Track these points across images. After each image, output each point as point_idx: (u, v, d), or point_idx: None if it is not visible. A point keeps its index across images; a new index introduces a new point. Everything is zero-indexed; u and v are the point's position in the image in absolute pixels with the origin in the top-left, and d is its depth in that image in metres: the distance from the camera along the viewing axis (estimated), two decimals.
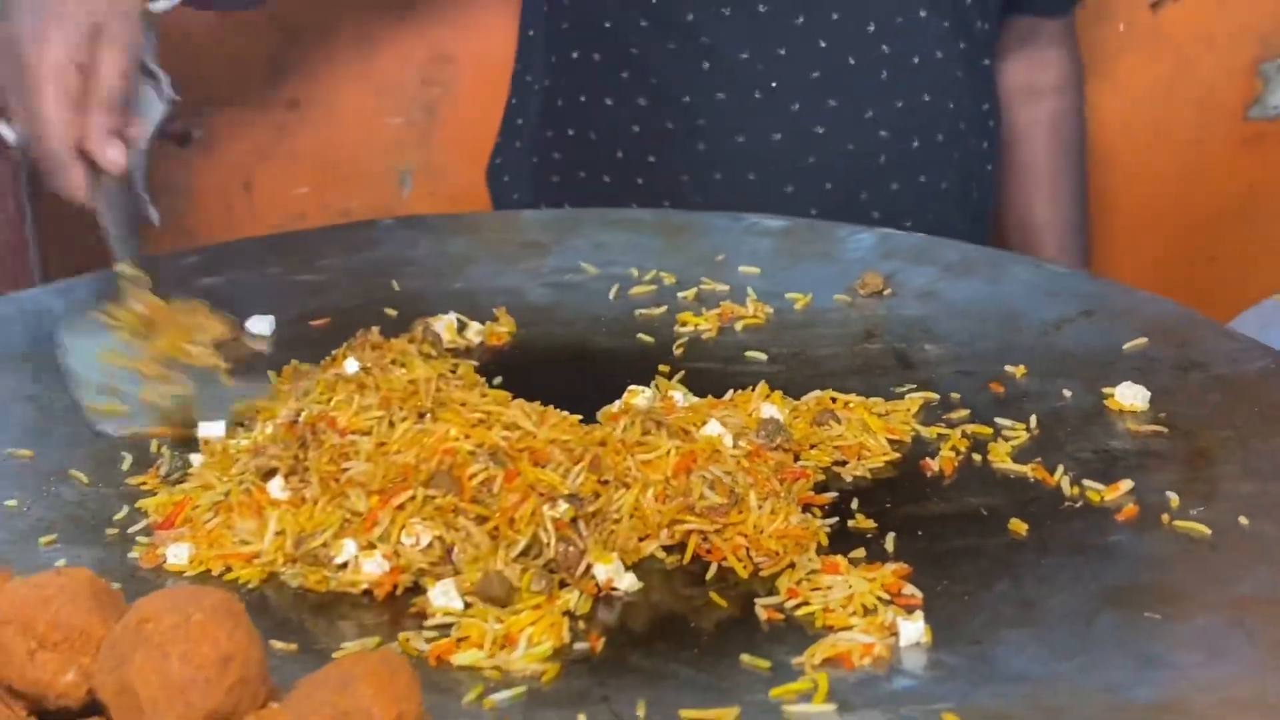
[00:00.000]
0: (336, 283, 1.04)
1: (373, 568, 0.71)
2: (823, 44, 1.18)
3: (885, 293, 1.03)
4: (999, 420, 0.86)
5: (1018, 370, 0.92)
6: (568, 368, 0.95)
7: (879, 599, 0.69)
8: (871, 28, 1.20)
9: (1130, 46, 1.99)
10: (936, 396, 0.89)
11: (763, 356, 0.96)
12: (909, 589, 0.70)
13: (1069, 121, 1.46)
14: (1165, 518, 0.75)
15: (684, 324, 1.00)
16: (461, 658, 0.66)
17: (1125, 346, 0.93)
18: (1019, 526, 0.76)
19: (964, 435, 0.85)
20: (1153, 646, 0.65)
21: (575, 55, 1.23)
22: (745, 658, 0.66)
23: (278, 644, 0.67)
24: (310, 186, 1.64)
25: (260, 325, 0.99)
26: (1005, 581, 0.72)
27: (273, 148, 1.61)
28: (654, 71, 1.20)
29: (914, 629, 0.67)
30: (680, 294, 1.04)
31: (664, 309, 1.02)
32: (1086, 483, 0.79)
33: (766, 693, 0.63)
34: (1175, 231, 2.04)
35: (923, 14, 1.21)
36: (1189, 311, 0.97)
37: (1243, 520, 0.73)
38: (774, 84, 1.19)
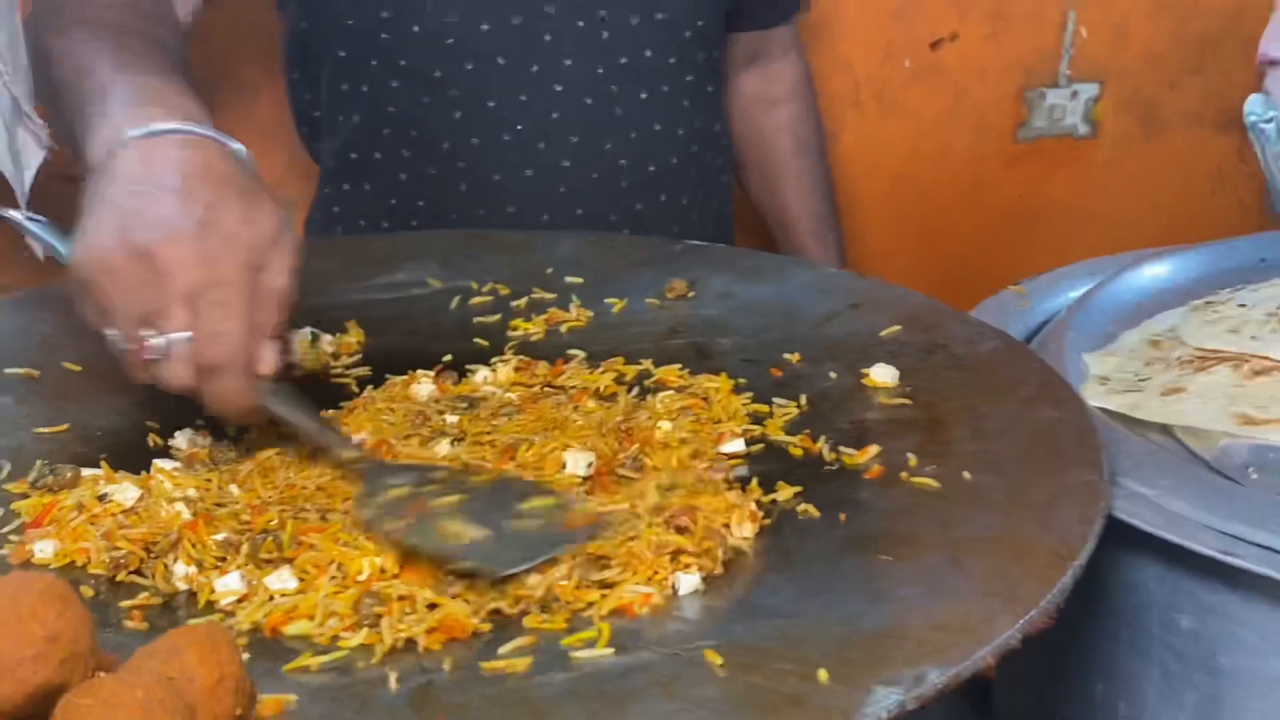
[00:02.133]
0: None
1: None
2: (558, 88, 1.19)
3: (689, 296, 1.04)
4: (775, 399, 0.88)
5: (794, 357, 0.93)
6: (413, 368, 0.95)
7: (665, 555, 0.69)
8: (601, 70, 1.20)
9: (915, 81, 2.03)
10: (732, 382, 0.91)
11: (582, 354, 0.96)
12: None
13: (806, 125, 1.48)
14: (904, 475, 0.77)
15: (515, 329, 1.01)
16: (293, 628, 0.65)
17: (882, 333, 0.95)
18: (785, 487, 0.77)
19: (748, 414, 0.86)
20: (883, 584, 0.66)
21: (349, 118, 1.23)
22: (537, 619, 0.66)
23: (129, 624, 0.66)
24: None
25: None
26: (772, 534, 0.73)
27: None
28: (413, 125, 1.20)
29: (690, 580, 0.68)
30: (513, 303, 1.04)
31: (498, 316, 1.02)
32: (842, 449, 0.81)
33: (559, 642, 0.64)
34: (960, 238, 2.08)
35: (648, 54, 1.22)
36: (937, 302, 0.99)
37: (966, 475, 0.75)
38: (519, 126, 1.19)
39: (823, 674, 0.57)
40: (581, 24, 1.19)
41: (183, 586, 0.69)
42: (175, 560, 0.70)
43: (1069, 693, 0.82)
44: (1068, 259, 2.09)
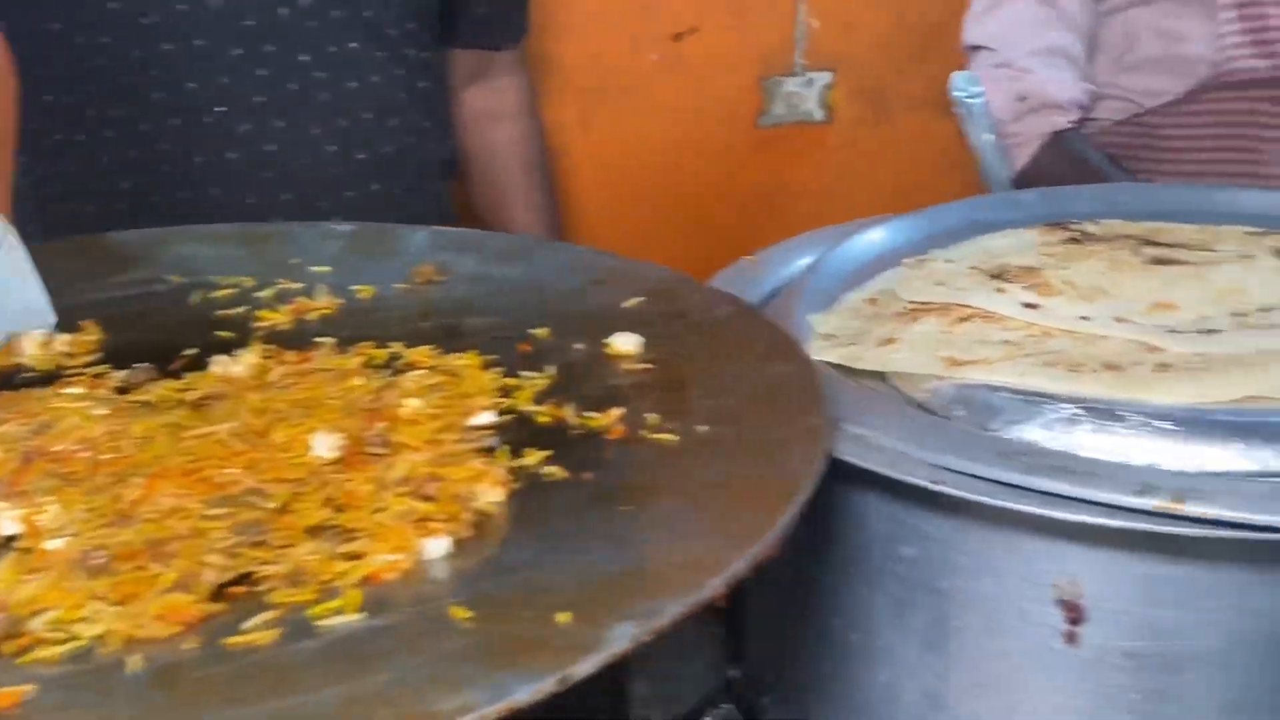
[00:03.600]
0: None
1: (10, 526, 0.69)
2: (261, 72, 1.18)
3: (437, 280, 1.05)
4: (524, 373, 0.90)
5: (542, 332, 0.95)
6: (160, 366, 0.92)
7: (410, 522, 0.70)
8: (306, 57, 1.20)
9: (661, 73, 2.08)
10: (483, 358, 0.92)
11: (332, 340, 0.96)
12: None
13: (532, 141, 1.52)
14: (644, 433, 0.80)
15: (261, 320, 0.99)
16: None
17: (624, 305, 0.98)
18: (533, 453, 0.79)
19: (498, 388, 0.88)
20: (624, 532, 0.69)
21: (46, 98, 1.19)
22: (283, 595, 0.65)
23: None
24: None
25: None
26: (520, 499, 0.74)
27: None
28: (114, 105, 1.18)
29: (438, 544, 0.69)
30: (258, 294, 1.03)
31: (244, 309, 1.01)
32: (587, 414, 0.83)
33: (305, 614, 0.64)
34: (715, 222, 2.15)
35: (354, 45, 1.22)
36: (679, 274, 1.03)
37: (701, 428, 0.79)
38: (221, 109, 1.18)
39: (563, 616, 0.59)
40: (284, 11, 1.17)
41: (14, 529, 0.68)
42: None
43: (809, 631, 0.87)
44: None
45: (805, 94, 2.15)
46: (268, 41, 1.16)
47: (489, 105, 1.43)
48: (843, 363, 0.88)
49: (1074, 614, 0.74)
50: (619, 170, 2.04)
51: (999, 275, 0.88)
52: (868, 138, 2.22)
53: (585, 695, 0.63)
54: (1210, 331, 0.80)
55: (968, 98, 1.40)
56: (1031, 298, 0.84)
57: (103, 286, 1.02)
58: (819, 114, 2.16)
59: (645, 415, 0.82)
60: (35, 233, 1.22)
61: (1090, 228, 0.97)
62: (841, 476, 0.78)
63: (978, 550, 0.77)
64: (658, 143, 2.06)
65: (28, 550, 0.70)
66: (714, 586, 0.60)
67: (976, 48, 1.68)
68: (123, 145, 1.16)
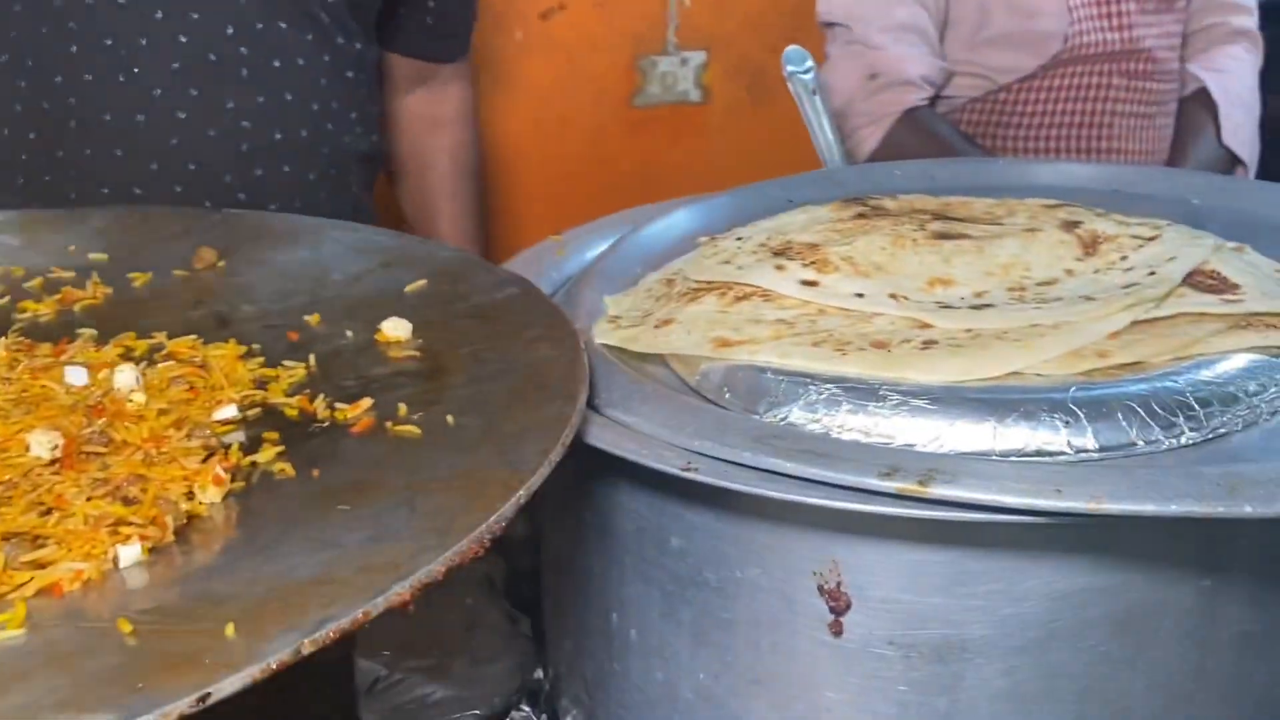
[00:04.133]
0: None
1: None
2: (183, 39, 1.16)
3: (218, 265, 0.99)
4: (285, 362, 0.84)
5: (313, 319, 0.90)
6: None
7: (103, 527, 0.65)
8: (230, 30, 1.17)
9: (528, 51, 2.03)
10: (244, 348, 0.86)
11: (92, 332, 0.90)
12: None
13: (466, 149, 1.52)
14: (389, 424, 0.75)
15: (24, 310, 0.93)
16: None
17: (406, 289, 0.92)
18: (269, 449, 0.74)
19: (255, 379, 0.83)
20: (333, 533, 0.64)
21: None
22: None
23: None
24: None
25: None
26: (245, 497, 0.69)
27: None
28: (30, 54, 1.14)
29: (131, 551, 0.63)
30: (25, 284, 0.97)
31: (7, 299, 0.95)
32: (338, 405, 0.78)
33: None
34: (585, 205, 2.10)
35: (282, 25, 1.19)
36: (469, 255, 0.98)
37: (449, 418, 0.74)
38: (136, 69, 1.15)
39: (230, 629, 0.54)
40: None
41: None
42: None
43: (595, 629, 0.83)
44: None
45: (680, 74, 2.10)
46: (194, 9, 1.14)
47: (428, 111, 1.42)
48: (621, 345, 0.83)
49: (837, 603, 0.71)
50: (486, 151, 1.99)
51: (782, 252, 0.84)
52: (745, 118, 2.18)
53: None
54: (983, 307, 0.77)
55: (801, 73, 1.37)
56: (810, 275, 0.80)
57: None
58: (695, 94, 2.12)
59: (396, 405, 0.77)
60: None
61: (887, 203, 0.93)
62: (611, 467, 0.73)
63: (740, 539, 0.73)
64: (524, 124, 2.01)
65: None
66: (393, 593, 0.55)
67: (831, 24, 1.64)
68: (35, 97, 1.13)
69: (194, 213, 1.07)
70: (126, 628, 0.57)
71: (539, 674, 0.98)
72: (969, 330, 0.73)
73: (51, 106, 1.14)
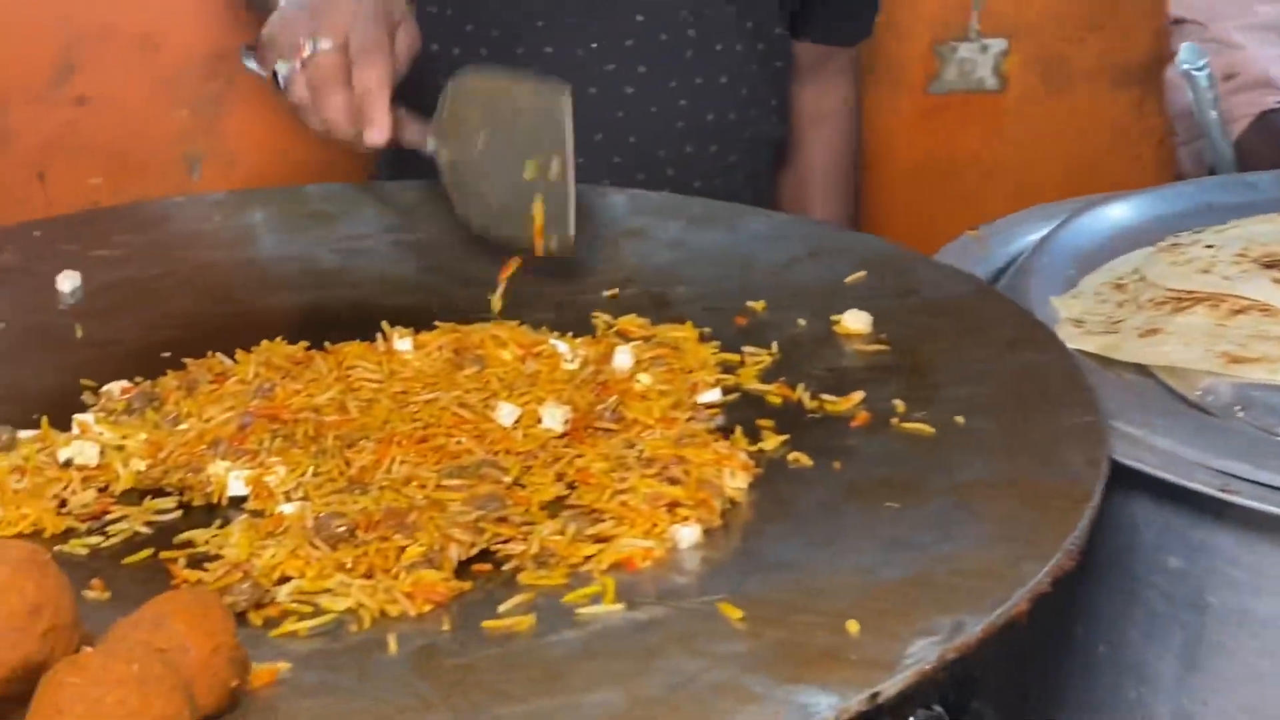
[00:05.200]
0: (133, 256, 0.95)
1: (238, 487, 0.68)
2: (639, 18, 1.20)
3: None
4: (745, 348, 0.85)
5: (758, 305, 0.91)
6: (357, 325, 0.89)
7: (660, 507, 0.66)
8: (684, 13, 1.21)
9: None
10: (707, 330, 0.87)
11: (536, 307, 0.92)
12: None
13: (846, 144, 1.53)
14: (894, 421, 0.75)
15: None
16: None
17: (847, 279, 0.92)
18: (771, 437, 0.74)
19: (718, 363, 0.83)
20: (894, 531, 0.64)
21: (432, 10, 1.21)
22: (533, 575, 0.62)
23: (89, 594, 0.60)
24: (103, 177, 1.53)
25: (67, 283, 0.90)
26: (764, 485, 0.70)
27: (64, 141, 1.49)
28: (495, 25, 1.19)
29: (690, 532, 0.65)
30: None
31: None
32: (824, 396, 0.78)
33: (561, 599, 0.60)
34: (874, 190, 2.09)
35: (730, 9, 1.23)
36: (900, 247, 0.97)
37: (959, 419, 0.73)
38: (594, 45, 1.20)
39: (853, 625, 0.55)
40: None
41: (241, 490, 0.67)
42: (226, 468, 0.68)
43: (1046, 637, 0.81)
44: (975, 210, 2.09)
45: (979, 61, 2.06)
46: None
47: (814, 103, 1.45)
48: (1100, 352, 0.81)
49: None
50: None
51: (1273, 265, 0.81)
52: (1039, 109, 2.13)
53: None
54: None
55: (1194, 70, 1.32)
56: None
57: (302, 240, 0.99)
58: (992, 82, 2.08)
59: (889, 401, 0.77)
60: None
61: None
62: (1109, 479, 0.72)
63: (1260, 566, 0.70)
64: None
65: (259, 514, 0.67)
66: (1016, 602, 0.55)
67: (1180, 21, 1.58)
68: (495, 64, 1.15)
69: (600, 190, 1.09)
70: (733, 612, 0.57)
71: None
72: None
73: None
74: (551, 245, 0.90)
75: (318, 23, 0.90)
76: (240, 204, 1.03)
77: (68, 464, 0.70)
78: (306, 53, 0.89)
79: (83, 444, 0.71)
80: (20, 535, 0.65)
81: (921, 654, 0.52)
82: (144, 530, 0.66)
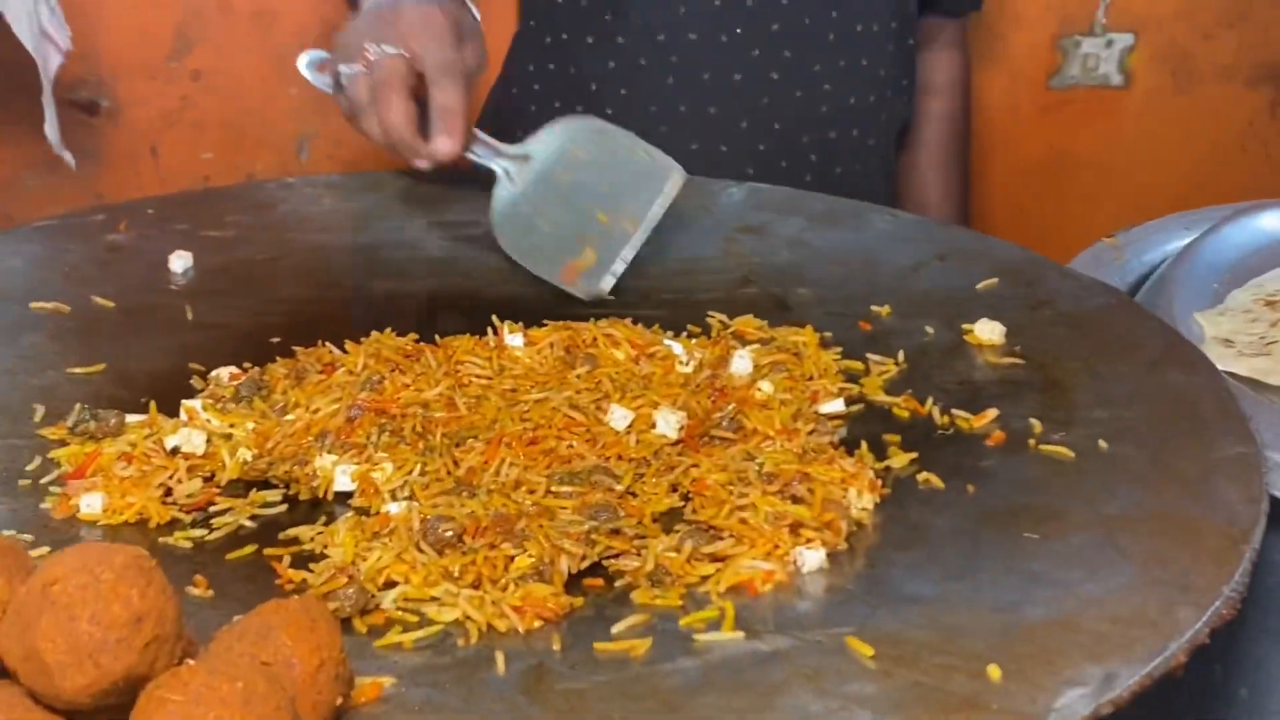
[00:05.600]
0: (245, 238, 0.94)
1: (344, 482, 0.66)
2: (783, 2, 1.17)
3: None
4: (870, 355, 0.81)
5: (883, 310, 0.86)
6: (467, 314, 0.86)
7: (783, 527, 0.62)
8: None
9: None
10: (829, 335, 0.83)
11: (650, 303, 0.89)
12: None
13: (958, 117, 1.48)
14: (1031, 443, 0.70)
15: None
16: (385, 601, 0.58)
17: (978, 286, 0.87)
18: (899, 454, 0.70)
19: (839, 371, 0.79)
20: (1036, 565, 0.59)
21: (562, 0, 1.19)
22: (647, 593, 0.59)
23: (193, 591, 0.58)
24: (215, 152, 1.53)
25: (179, 263, 0.89)
26: (892, 506, 0.66)
27: (178, 116, 1.50)
28: (635, 12, 1.16)
29: (814, 556, 0.61)
30: None
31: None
32: (955, 412, 0.74)
33: (677, 622, 0.57)
34: (990, 183, 2.03)
35: None
36: (1033, 254, 0.92)
37: (1102, 444, 0.68)
38: (739, 30, 1.16)
39: (994, 671, 0.51)
40: None
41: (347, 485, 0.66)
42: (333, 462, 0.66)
43: (1189, 675, 0.76)
44: (1092, 212, 2.01)
45: (1104, 56, 1.98)
46: None
47: (927, 78, 1.41)
48: (1253, 376, 0.76)
49: None
50: None
51: None
52: (1166, 107, 2.04)
53: None
54: None
55: None
56: None
57: (413, 226, 0.97)
58: (1117, 78, 2.00)
59: (1025, 420, 0.72)
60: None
61: None
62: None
63: None
64: None
65: (364, 511, 0.65)
66: (1173, 654, 0.50)
67: None
68: (633, 53, 1.15)
69: (720, 183, 1.05)
70: (864, 649, 0.54)
71: None
72: None
73: (650, 64, 1.17)
74: (579, 285, 0.89)
75: (385, 31, 0.89)
76: (352, 186, 1.01)
77: (174, 451, 0.68)
78: (372, 56, 0.87)
79: (190, 431, 0.69)
80: (125, 524, 0.64)
81: (1071, 708, 0.48)
82: (248, 524, 0.64)
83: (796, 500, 0.64)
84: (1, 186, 1.47)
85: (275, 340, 0.80)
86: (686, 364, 0.77)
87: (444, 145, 0.86)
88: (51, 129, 1.02)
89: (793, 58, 1.17)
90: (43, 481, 0.66)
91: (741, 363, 0.76)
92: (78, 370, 0.75)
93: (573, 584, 0.60)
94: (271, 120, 1.51)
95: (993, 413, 0.73)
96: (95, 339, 0.78)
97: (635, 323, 0.82)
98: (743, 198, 1.02)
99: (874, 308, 0.86)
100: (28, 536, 0.62)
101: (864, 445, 0.70)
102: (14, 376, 0.75)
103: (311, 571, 0.60)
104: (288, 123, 1.52)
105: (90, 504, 0.64)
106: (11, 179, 1.47)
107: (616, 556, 0.62)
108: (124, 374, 0.76)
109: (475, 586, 0.59)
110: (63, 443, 0.69)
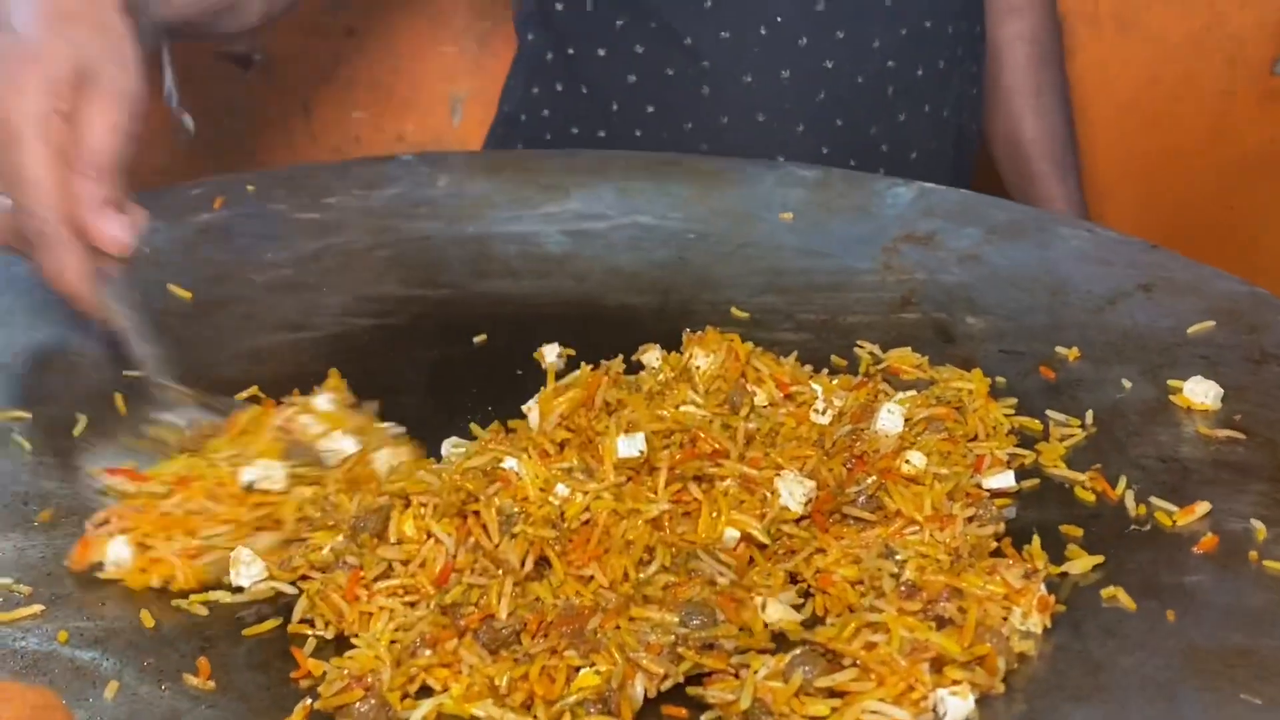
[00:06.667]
0: (344, 222, 0.83)
1: None
2: None
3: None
4: (1050, 413, 0.65)
5: (1070, 352, 0.70)
6: (577, 325, 0.73)
7: (922, 661, 0.47)
8: None
9: (1163, 0, 1.74)
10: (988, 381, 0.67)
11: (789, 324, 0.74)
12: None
13: (1046, 35, 1.23)
14: (1253, 555, 0.54)
15: None
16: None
17: (1190, 330, 0.70)
18: (1080, 555, 0.54)
19: (1011, 430, 0.63)
20: None
21: (561, 6, 1.00)
22: None
23: (191, 680, 0.47)
24: (366, 111, 1.46)
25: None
26: (1066, 631, 0.50)
27: (330, 73, 1.42)
28: (653, 15, 0.98)
29: (959, 706, 0.46)
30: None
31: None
32: (1155, 500, 0.57)
33: None
34: (1195, 179, 1.81)
35: None
36: (1259, 291, 0.74)
37: None
38: (779, 18, 0.97)
39: None
40: None
41: None
42: None
43: None
44: None
45: None
46: None
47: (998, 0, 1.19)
48: None
49: None
50: (1088, 109, 1.71)
51: None
52: None
53: None
54: None
55: None
56: None
57: (530, 217, 0.84)
58: None
59: (1247, 520, 0.55)
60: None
61: None
62: None
63: None
64: (1142, 79, 1.72)
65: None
66: None
67: None
68: (656, 62, 0.98)
69: (885, 181, 0.89)
70: None
71: None
72: None
73: (678, 73, 0.99)
74: None
75: None
76: (468, 168, 0.89)
77: (249, 488, 0.57)
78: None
79: (270, 465, 0.57)
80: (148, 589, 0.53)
81: None
82: (287, 589, 0.53)
83: (942, 624, 0.49)
84: (152, 139, 1.42)
85: (357, 346, 0.68)
86: (823, 413, 0.62)
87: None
88: (171, 87, 0.92)
89: (846, 38, 0.97)
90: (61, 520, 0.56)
91: (890, 420, 0.60)
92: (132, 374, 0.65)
93: (648, 710, 0.47)
94: (424, 80, 1.43)
95: (1204, 506, 0.56)
96: (159, 338, 0.67)
97: (771, 349, 0.67)
98: (910, 199, 0.86)
99: (1059, 349, 0.70)
100: (24, 589, 0.52)
101: (1036, 540, 0.55)
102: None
103: (331, 666, 0.48)
104: (441, 83, 1.43)
105: (118, 556, 0.53)
106: (163, 130, 1.41)
107: (709, 675, 0.48)
108: (189, 376, 0.65)
109: (526, 708, 0.46)
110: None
